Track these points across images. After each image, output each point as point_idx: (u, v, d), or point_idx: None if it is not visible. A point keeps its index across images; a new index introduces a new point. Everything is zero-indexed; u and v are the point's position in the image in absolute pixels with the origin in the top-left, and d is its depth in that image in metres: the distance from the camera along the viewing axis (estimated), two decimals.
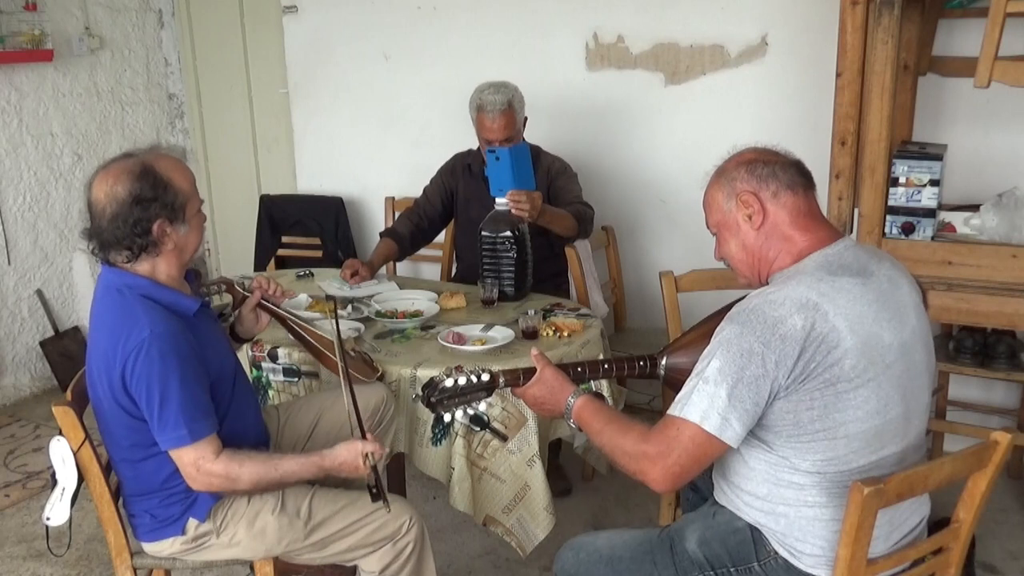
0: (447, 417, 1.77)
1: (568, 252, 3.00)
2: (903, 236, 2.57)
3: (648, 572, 1.64)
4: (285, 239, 4.26)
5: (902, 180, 2.55)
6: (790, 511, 1.52)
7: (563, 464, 3.10)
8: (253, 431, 2.00)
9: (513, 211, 2.70)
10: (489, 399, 1.77)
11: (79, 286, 4.26)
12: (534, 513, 2.30)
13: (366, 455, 1.83)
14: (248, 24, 4.44)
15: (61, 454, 1.85)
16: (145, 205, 1.76)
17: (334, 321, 2.02)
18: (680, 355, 1.78)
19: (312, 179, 4.41)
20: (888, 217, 2.58)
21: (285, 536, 1.91)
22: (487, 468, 2.28)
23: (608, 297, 3.30)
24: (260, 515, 1.91)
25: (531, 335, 2.43)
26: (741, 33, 3.27)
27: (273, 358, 2.42)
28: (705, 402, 1.44)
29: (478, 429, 2.24)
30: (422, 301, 2.71)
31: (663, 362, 1.81)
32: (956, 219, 2.63)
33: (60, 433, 1.84)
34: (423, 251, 3.38)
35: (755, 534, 1.57)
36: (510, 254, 2.73)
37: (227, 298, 2.17)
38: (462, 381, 1.70)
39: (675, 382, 1.77)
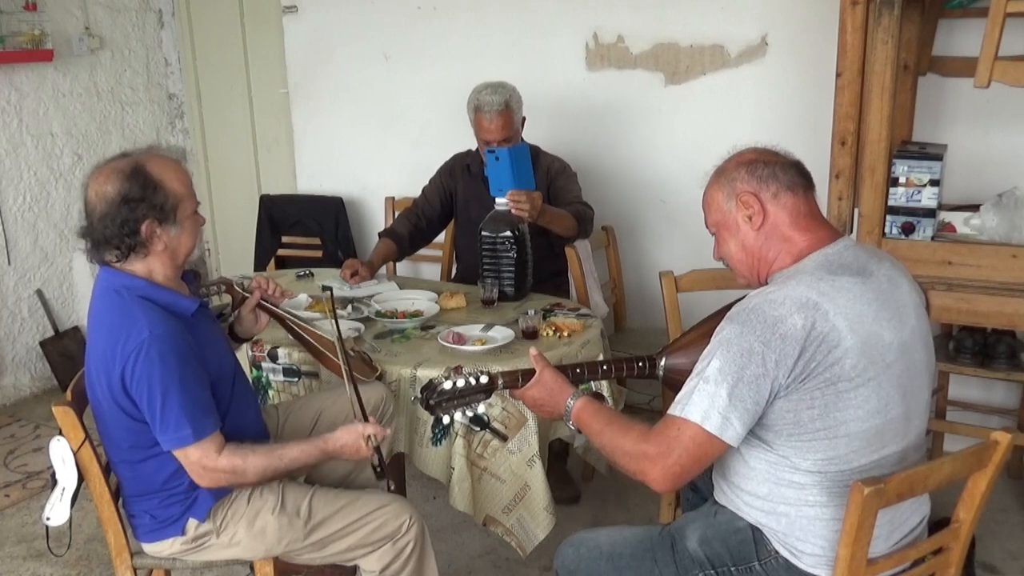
0: (446, 419, 1.77)
1: (568, 252, 3.00)
2: (903, 236, 2.57)
3: (649, 569, 1.64)
4: (285, 239, 4.26)
5: (902, 180, 2.54)
6: (790, 511, 1.52)
7: (569, 470, 3.09)
8: (253, 430, 1.99)
9: (513, 211, 2.70)
10: (488, 400, 1.77)
11: (79, 286, 4.26)
12: (534, 513, 2.30)
13: (368, 437, 1.85)
14: (248, 24, 4.44)
15: (61, 454, 1.85)
16: (133, 205, 1.75)
17: (332, 309, 2.05)
18: (679, 356, 1.78)
19: (312, 179, 4.41)
20: (888, 217, 2.58)
21: (285, 536, 1.91)
22: (487, 468, 2.28)
23: (608, 297, 3.30)
24: (260, 515, 1.91)
25: (531, 335, 2.43)
26: (741, 33, 3.27)
27: (273, 358, 2.42)
28: (706, 402, 1.44)
29: (478, 429, 2.24)
30: (422, 301, 2.71)
31: (662, 363, 1.81)
32: (956, 219, 2.63)
33: (60, 433, 1.84)
34: (423, 251, 3.38)
35: (756, 534, 1.57)
36: (510, 254, 2.73)
37: (226, 298, 2.17)
38: (461, 383, 1.70)
39: (674, 382, 1.77)
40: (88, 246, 1.83)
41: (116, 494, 1.95)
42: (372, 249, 3.13)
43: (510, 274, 2.75)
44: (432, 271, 3.85)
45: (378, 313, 2.60)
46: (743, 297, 1.53)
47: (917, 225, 2.55)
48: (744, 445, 1.50)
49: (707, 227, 1.68)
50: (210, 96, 4.67)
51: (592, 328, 2.51)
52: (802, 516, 1.51)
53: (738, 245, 1.61)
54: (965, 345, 2.78)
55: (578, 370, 1.79)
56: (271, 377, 2.44)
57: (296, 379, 2.43)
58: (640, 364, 1.82)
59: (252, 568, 1.98)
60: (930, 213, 2.54)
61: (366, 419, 1.90)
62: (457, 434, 2.23)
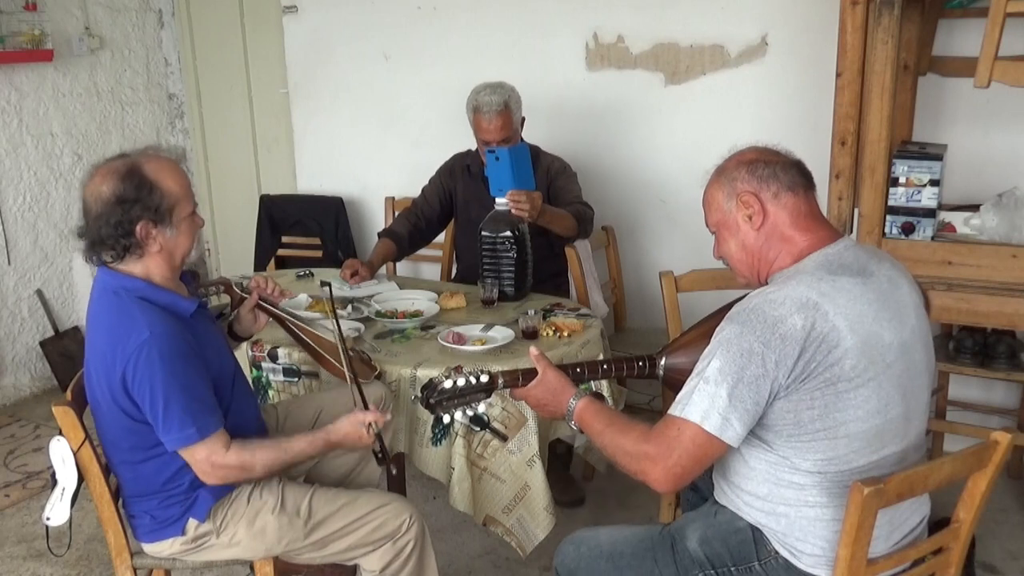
0: (446, 419, 1.77)
1: (568, 252, 3.00)
2: (903, 236, 2.57)
3: (649, 569, 1.64)
4: (285, 239, 4.26)
5: (902, 180, 2.54)
6: (790, 511, 1.52)
7: (572, 473, 3.09)
8: (252, 430, 1.99)
9: (513, 211, 2.70)
10: (488, 400, 1.77)
11: (79, 286, 4.26)
12: (534, 513, 2.30)
13: (368, 424, 1.87)
14: (248, 24, 4.44)
15: (61, 454, 1.85)
16: (127, 206, 1.75)
17: (331, 303, 2.07)
18: (679, 355, 1.78)
19: (312, 179, 4.41)
20: (888, 217, 2.58)
21: (285, 535, 1.91)
22: (487, 468, 2.28)
23: (608, 297, 3.30)
24: (260, 515, 1.91)
25: (531, 335, 2.43)
26: (741, 33, 3.27)
27: (273, 358, 2.42)
28: (706, 402, 1.44)
29: (478, 429, 2.24)
30: (422, 301, 2.71)
31: (662, 362, 1.81)
32: (956, 219, 2.63)
33: (60, 433, 1.84)
34: (423, 251, 3.38)
35: (756, 534, 1.57)
36: (510, 254, 2.73)
37: (225, 299, 2.17)
38: (461, 382, 1.70)
39: (674, 382, 1.77)
40: (85, 246, 1.82)
41: (116, 494, 1.95)
42: (372, 249, 3.13)
43: (510, 274, 2.75)
44: (432, 271, 3.85)
45: (378, 313, 2.60)
46: (743, 297, 1.53)
47: (917, 225, 2.55)
48: (744, 445, 1.50)
49: (707, 226, 1.68)
50: (210, 96, 4.67)
51: (592, 328, 2.51)
52: (802, 516, 1.51)
53: (738, 245, 1.61)
54: (965, 345, 2.78)
55: (578, 369, 1.79)
56: (271, 377, 2.44)
57: (296, 379, 2.43)
58: (640, 363, 1.82)
59: (252, 568, 1.98)
60: (930, 213, 2.54)
61: (366, 407, 1.91)
62: (457, 434, 2.23)
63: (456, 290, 2.82)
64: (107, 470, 1.92)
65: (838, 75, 2.58)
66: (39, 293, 4.12)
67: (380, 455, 1.91)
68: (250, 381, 2.35)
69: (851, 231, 2.68)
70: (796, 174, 1.58)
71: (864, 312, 1.46)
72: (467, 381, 1.70)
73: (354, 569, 2.04)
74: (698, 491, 1.93)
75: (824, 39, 2.90)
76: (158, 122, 4.63)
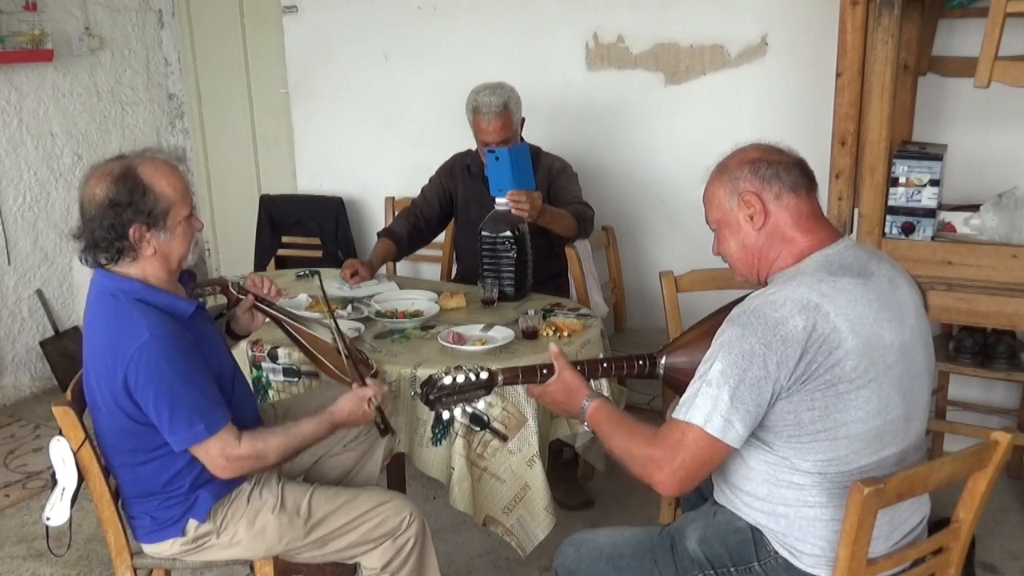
0: (446, 415, 1.77)
1: (568, 252, 3.00)
2: (903, 236, 2.57)
3: (648, 570, 1.64)
4: (285, 239, 4.26)
5: (902, 180, 2.54)
6: (790, 511, 1.52)
7: (578, 478, 3.09)
8: (252, 428, 1.99)
9: (513, 211, 2.70)
10: (488, 398, 1.77)
11: (79, 286, 4.26)
12: (534, 513, 2.30)
13: (368, 400, 1.91)
14: (248, 24, 4.44)
15: (61, 454, 1.85)
16: (120, 209, 1.74)
17: (322, 294, 2.11)
18: (679, 355, 1.78)
19: (312, 179, 4.41)
20: (888, 217, 2.58)
21: (285, 534, 1.91)
22: (487, 468, 2.28)
23: (608, 297, 3.30)
24: (260, 514, 1.91)
25: (531, 335, 2.43)
26: (741, 33, 3.27)
27: (273, 358, 2.42)
28: (708, 405, 1.44)
29: (478, 429, 2.24)
30: (422, 301, 2.71)
31: (662, 361, 1.81)
32: (956, 219, 2.63)
33: (60, 433, 1.84)
34: (423, 251, 3.38)
35: (756, 534, 1.57)
36: (510, 254, 2.73)
37: (222, 299, 2.17)
38: (460, 379, 1.70)
39: (674, 382, 1.77)
40: (81, 248, 1.82)
41: (116, 494, 1.95)
42: (372, 249, 3.13)
43: (510, 274, 2.75)
44: (432, 271, 3.85)
45: (378, 313, 2.60)
46: (743, 297, 1.53)
47: (917, 225, 2.55)
48: (744, 446, 1.50)
49: (707, 223, 1.68)
50: (210, 96, 4.67)
51: (592, 328, 2.51)
52: (801, 517, 1.51)
53: (738, 244, 1.61)
54: (965, 345, 2.78)
55: (579, 368, 1.79)
56: (271, 377, 2.44)
57: (296, 379, 2.43)
58: (640, 363, 1.82)
59: (252, 568, 1.98)
60: (930, 213, 2.54)
61: (363, 383, 1.95)
62: (457, 434, 2.23)
63: (456, 290, 2.82)
64: (107, 470, 1.92)
65: (838, 75, 2.58)
66: (39, 293, 4.12)
67: (382, 427, 1.97)
68: (250, 381, 2.35)
69: (851, 231, 2.68)
70: (798, 174, 1.57)
71: (865, 313, 1.46)
72: (467, 378, 1.71)
73: (354, 568, 2.04)
74: (698, 491, 1.93)
75: (824, 39, 2.90)
76: (158, 122, 4.63)
